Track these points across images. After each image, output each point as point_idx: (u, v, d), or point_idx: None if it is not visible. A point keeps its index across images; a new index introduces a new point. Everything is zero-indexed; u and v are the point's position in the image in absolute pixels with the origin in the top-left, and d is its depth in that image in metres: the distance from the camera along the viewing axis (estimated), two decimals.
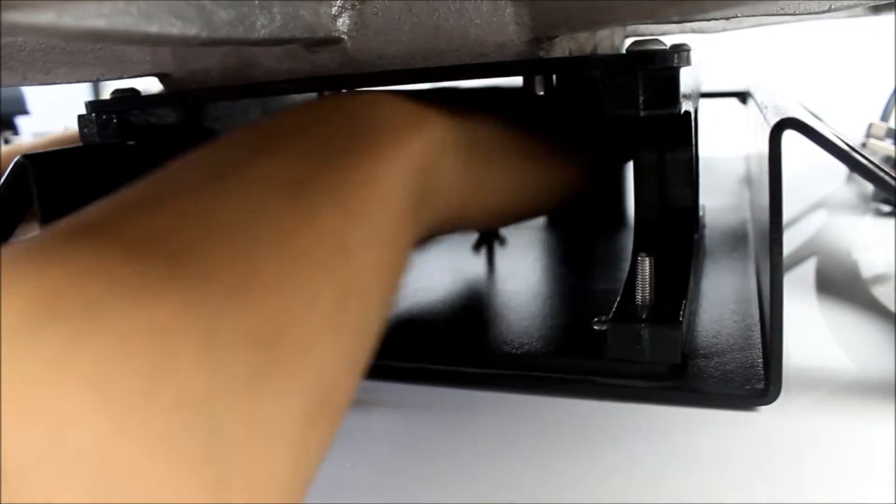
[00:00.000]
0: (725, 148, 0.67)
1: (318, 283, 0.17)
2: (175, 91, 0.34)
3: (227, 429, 0.13)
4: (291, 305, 0.16)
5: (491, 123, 0.30)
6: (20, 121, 0.90)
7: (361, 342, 0.19)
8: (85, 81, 0.35)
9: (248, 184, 0.18)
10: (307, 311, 0.16)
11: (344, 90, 0.31)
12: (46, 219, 0.33)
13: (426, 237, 0.28)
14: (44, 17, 0.16)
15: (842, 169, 0.64)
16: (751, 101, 0.53)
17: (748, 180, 0.58)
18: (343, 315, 0.17)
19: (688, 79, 0.30)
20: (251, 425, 0.14)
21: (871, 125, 0.56)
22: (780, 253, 0.26)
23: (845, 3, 0.29)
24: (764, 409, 0.27)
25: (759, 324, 0.33)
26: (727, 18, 0.28)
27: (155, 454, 0.12)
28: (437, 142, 0.25)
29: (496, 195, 0.30)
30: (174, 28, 0.21)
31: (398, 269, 0.22)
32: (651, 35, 0.30)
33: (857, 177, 0.62)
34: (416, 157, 0.23)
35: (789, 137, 0.26)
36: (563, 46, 0.30)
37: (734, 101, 0.64)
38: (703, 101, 0.41)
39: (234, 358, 0.14)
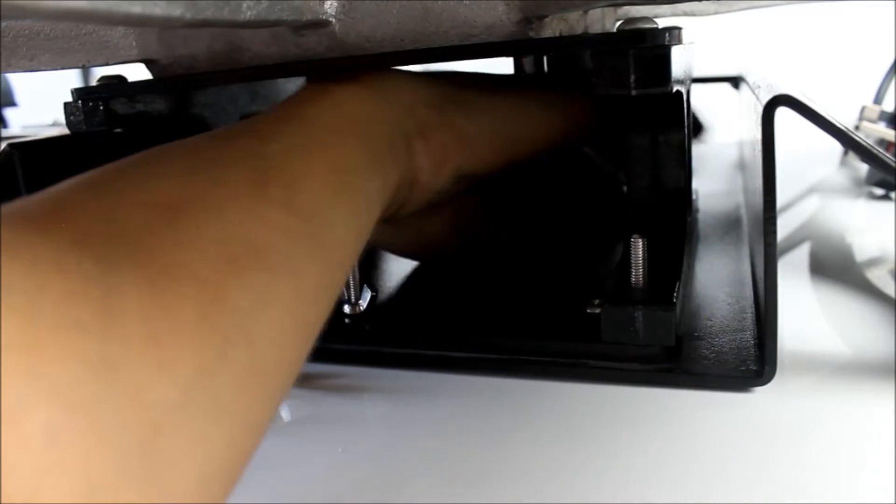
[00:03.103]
0: (718, 134, 0.67)
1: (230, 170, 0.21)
2: (162, 77, 0.34)
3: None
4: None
5: (467, 76, 0.34)
6: (8, 113, 0.89)
7: (298, 213, 0.21)
8: (70, 68, 0.34)
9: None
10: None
11: (332, 74, 0.31)
12: None
13: (442, 183, 0.31)
14: None
15: (835, 153, 0.64)
16: (743, 86, 0.52)
17: (741, 166, 0.58)
18: (266, 189, 0.21)
19: (679, 59, 0.30)
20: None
21: (864, 108, 0.55)
22: (775, 231, 0.26)
23: None
24: (758, 391, 0.27)
25: (753, 306, 0.33)
26: None
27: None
28: (394, 88, 0.29)
29: (486, 136, 0.32)
30: (157, 8, 0.20)
31: (350, 185, 0.24)
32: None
33: (849, 161, 0.62)
34: (362, 101, 0.27)
35: (783, 122, 0.25)
36: (554, 28, 0.30)
37: (726, 87, 0.64)
38: (695, 88, 0.41)
39: None
